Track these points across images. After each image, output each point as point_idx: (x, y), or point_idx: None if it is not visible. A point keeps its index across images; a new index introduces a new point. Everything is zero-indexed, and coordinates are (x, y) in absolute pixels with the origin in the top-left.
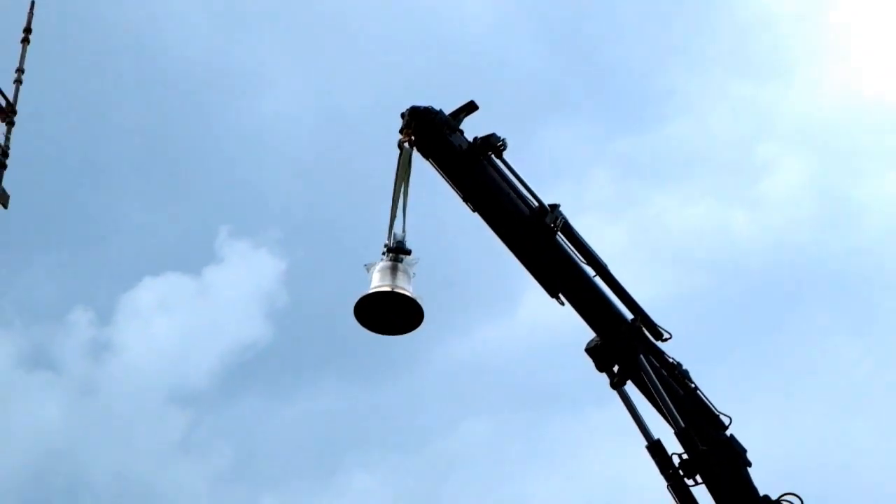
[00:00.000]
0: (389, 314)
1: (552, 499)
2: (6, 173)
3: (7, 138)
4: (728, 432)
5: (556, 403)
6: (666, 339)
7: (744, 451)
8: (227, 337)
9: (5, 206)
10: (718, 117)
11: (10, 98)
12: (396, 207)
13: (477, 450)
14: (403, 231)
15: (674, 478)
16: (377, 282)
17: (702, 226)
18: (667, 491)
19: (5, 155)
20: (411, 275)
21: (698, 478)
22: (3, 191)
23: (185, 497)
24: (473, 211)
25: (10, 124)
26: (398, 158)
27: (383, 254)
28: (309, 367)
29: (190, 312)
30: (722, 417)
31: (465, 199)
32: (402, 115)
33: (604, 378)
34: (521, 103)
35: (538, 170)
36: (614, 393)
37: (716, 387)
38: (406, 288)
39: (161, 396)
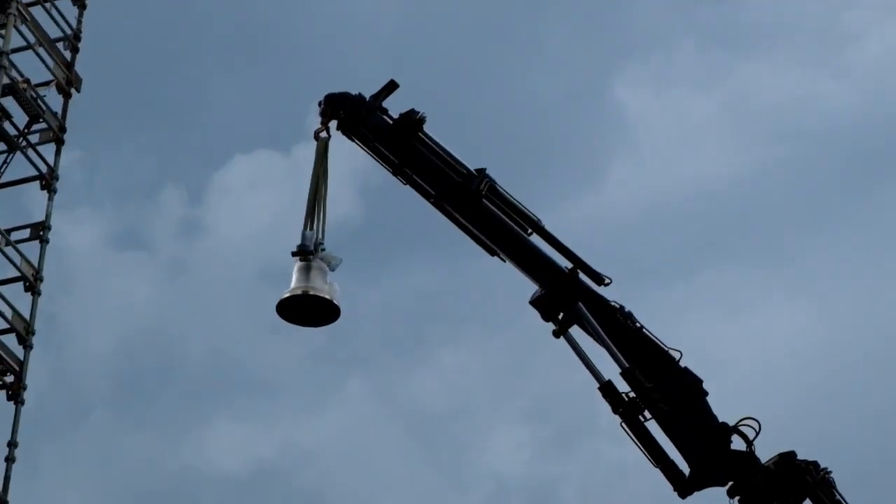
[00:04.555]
0: (309, 309)
1: None
2: (79, 56)
3: (79, 21)
4: (682, 364)
5: (644, 278)
6: (607, 284)
7: (699, 381)
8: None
9: (77, 90)
10: None
11: None
12: (314, 202)
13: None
14: (323, 228)
15: (624, 416)
16: (294, 282)
17: (790, 95)
18: (620, 428)
19: (77, 38)
20: (326, 271)
21: (647, 414)
22: (76, 74)
23: (277, 375)
24: (404, 184)
25: (82, 6)
26: (316, 150)
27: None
28: (399, 245)
29: (281, 190)
30: (671, 352)
31: (395, 174)
32: (319, 104)
33: (694, 249)
34: None
35: (626, 39)
36: (704, 266)
37: (806, 254)
38: (320, 287)
39: (252, 275)
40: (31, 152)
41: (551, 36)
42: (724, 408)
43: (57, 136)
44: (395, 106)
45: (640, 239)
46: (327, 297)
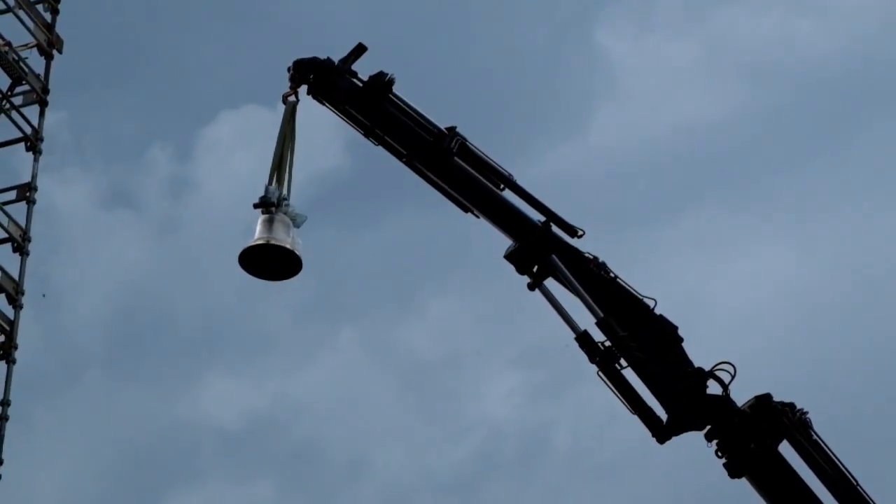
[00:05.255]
0: (272, 263)
1: None
2: (60, 17)
3: None
4: (657, 312)
5: (628, 222)
6: (580, 236)
7: (675, 328)
8: (305, 168)
9: (59, 51)
10: None
11: None
12: (280, 161)
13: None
14: (289, 187)
15: (601, 365)
16: (258, 234)
17: (770, 37)
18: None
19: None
20: (289, 224)
21: (624, 362)
22: (57, 36)
23: (270, 329)
24: (376, 145)
25: None
26: (284, 114)
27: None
28: (386, 197)
29: (269, 146)
30: (646, 300)
31: (367, 136)
32: (288, 70)
33: (676, 193)
34: None
35: None
36: (685, 210)
37: (788, 196)
38: (283, 239)
39: (242, 231)
40: (14, 114)
41: None
42: (706, 350)
43: (40, 97)
44: (376, 61)
45: (624, 184)
46: (289, 247)
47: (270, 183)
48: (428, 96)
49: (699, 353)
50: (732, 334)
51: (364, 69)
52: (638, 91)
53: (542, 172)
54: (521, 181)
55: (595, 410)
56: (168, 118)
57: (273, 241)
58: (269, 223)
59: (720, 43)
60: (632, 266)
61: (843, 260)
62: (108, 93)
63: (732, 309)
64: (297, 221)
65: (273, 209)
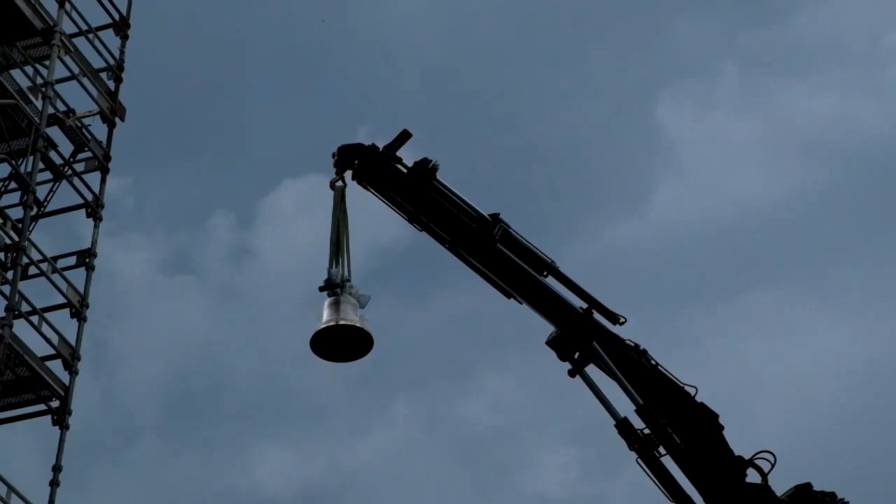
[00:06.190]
0: (342, 343)
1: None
2: (123, 85)
3: (122, 52)
4: (698, 399)
5: (686, 300)
6: (622, 323)
7: (715, 416)
8: (365, 239)
9: (122, 118)
10: (846, 6)
11: (123, 11)
12: (337, 244)
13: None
14: (349, 268)
15: (640, 452)
16: (326, 316)
17: (830, 117)
18: (636, 464)
19: (120, 69)
20: (355, 304)
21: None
22: (120, 104)
23: (323, 398)
24: (420, 230)
25: (125, 38)
26: (334, 199)
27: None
28: (444, 270)
29: (330, 215)
30: (687, 388)
31: (411, 221)
32: (333, 156)
33: (733, 276)
34: None
35: (668, 63)
36: (743, 290)
37: (846, 278)
38: (353, 318)
39: (300, 299)
40: (76, 181)
41: (594, 59)
42: (761, 429)
43: (101, 164)
44: (431, 138)
45: (682, 261)
46: (359, 325)
47: (331, 266)
48: (486, 175)
49: (757, 429)
50: (790, 414)
51: (426, 141)
52: (698, 168)
53: (602, 248)
54: (580, 257)
55: (649, 488)
56: (230, 186)
57: (343, 322)
58: (336, 304)
59: (780, 122)
60: (688, 343)
61: None
62: (171, 160)
63: (790, 388)
64: (361, 301)
65: (338, 291)
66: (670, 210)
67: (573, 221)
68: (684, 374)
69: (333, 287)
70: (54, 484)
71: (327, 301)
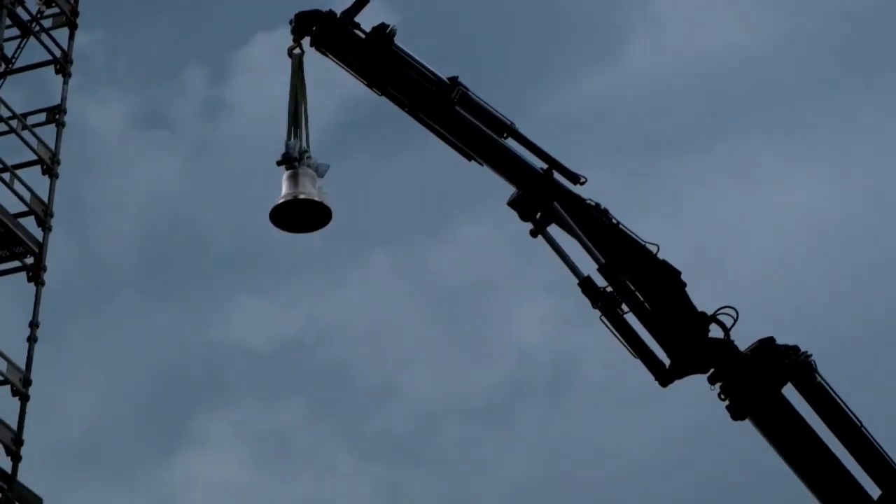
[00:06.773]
0: (302, 215)
1: (662, 243)
2: None
3: None
4: (660, 257)
5: (661, 150)
6: (582, 183)
7: (677, 272)
8: (337, 92)
9: None
10: None
11: None
12: (295, 115)
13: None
14: (307, 138)
15: (603, 309)
16: (284, 190)
17: None
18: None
19: None
20: (314, 176)
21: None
22: None
23: (301, 252)
24: (380, 95)
25: None
26: (291, 67)
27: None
28: (416, 123)
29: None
30: (649, 246)
31: (370, 86)
32: (290, 22)
33: (709, 126)
34: None
35: None
36: (720, 139)
37: (822, 125)
38: (310, 192)
39: (274, 153)
40: (44, 37)
41: None
42: (735, 278)
43: (70, 20)
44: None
45: (658, 111)
46: (317, 199)
47: (289, 138)
48: (452, 32)
49: (723, 286)
50: (768, 261)
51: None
52: (673, 18)
53: (577, 101)
54: (554, 112)
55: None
56: (204, 39)
57: (301, 196)
58: (295, 178)
59: None
60: (665, 193)
61: (880, 188)
62: (143, 14)
63: (768, 236)
64: (320, 171)
65: (296, 164)
66: (644, 61)
67: (545, 75)
68: (660, 224)
69: (291, 161)
70: (32, 339)
71: (286, 174)
